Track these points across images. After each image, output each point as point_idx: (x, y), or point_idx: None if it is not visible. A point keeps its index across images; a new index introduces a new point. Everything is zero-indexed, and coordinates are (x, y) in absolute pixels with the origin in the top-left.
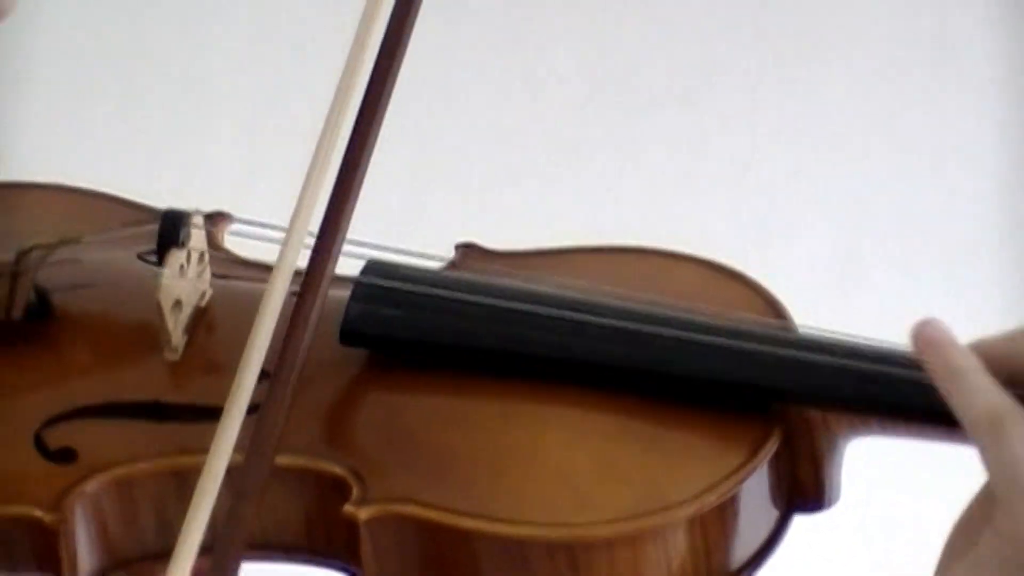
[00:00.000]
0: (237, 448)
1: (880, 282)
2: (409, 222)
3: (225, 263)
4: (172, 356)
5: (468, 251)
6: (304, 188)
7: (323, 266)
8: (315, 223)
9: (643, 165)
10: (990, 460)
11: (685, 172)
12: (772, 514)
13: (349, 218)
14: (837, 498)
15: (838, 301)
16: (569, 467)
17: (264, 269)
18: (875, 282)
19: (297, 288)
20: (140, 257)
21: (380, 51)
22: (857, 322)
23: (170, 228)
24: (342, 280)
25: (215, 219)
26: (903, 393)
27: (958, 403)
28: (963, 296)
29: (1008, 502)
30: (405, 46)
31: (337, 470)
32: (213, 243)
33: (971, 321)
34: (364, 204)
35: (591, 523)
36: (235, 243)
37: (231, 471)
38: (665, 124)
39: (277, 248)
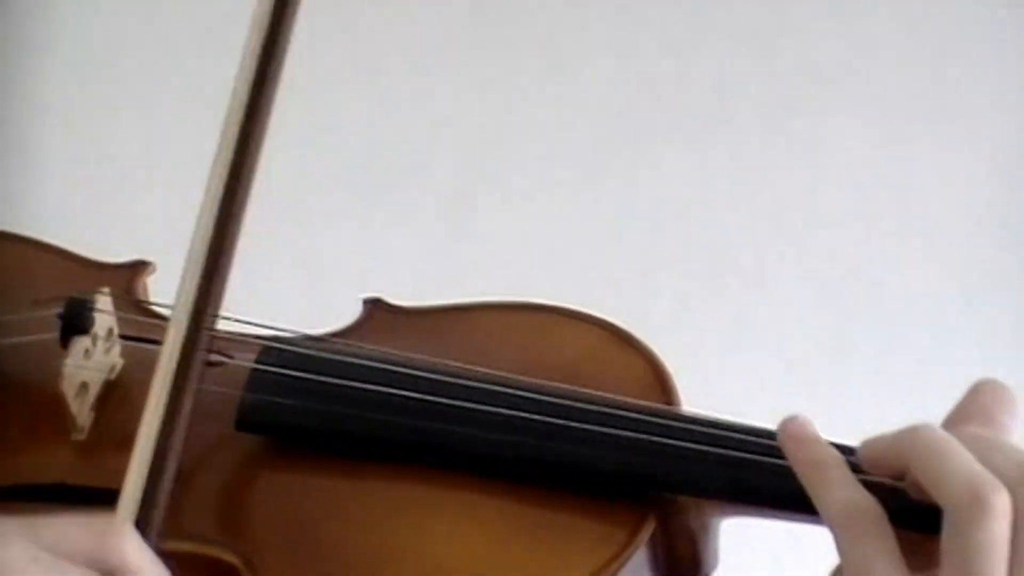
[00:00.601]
0: None
1: (882, 295)
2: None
3: (138, 325)
4: (79, 436)
5: (373, 308)
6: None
7: (193, 350)
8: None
9: (661, 191)
10: (843, 554)
11: (700, 197)
12: None
13: (219, 293)
14: (715, 567)
15: (843, 314)
16: (448, 563)
17: None
18: (877, 295)
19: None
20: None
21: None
22: (863, 333)
23: (73, 316)
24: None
25: (134, 268)
26: (774, 484)
27: (818, 497)
28: (967, 305)
29: None
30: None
31: (229, 558)
32: (130, 293)
33: (973, 331)
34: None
35: None
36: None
37: None
38: (683, 151)
39: None
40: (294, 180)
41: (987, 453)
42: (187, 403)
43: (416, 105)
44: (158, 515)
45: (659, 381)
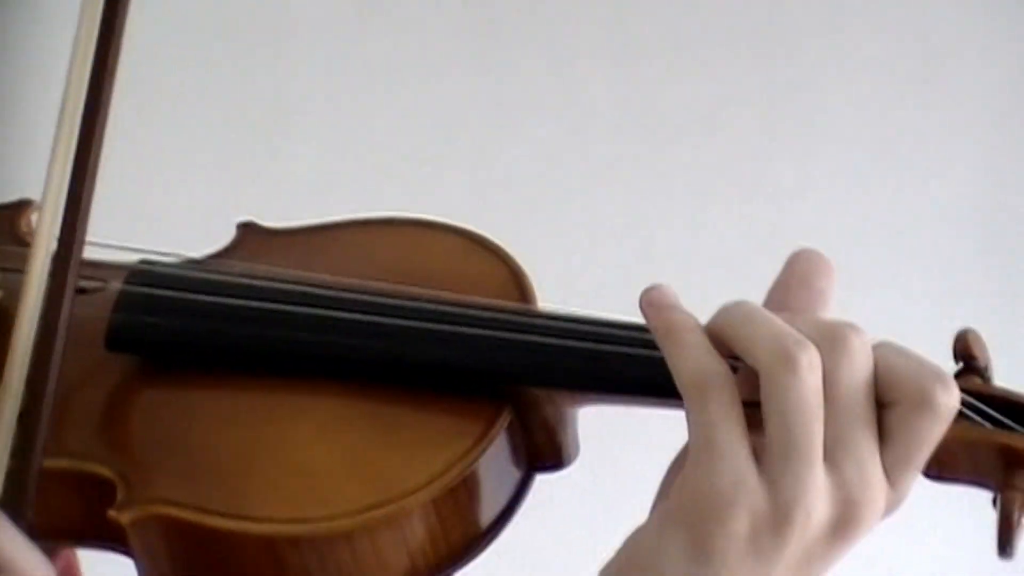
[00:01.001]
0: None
1: (869, 289)
2: None
3: (15, 256)
4: None
5: (245, 231)
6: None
7: (65, 270)
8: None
9: (666, 186)
10: (690, 421)
11: (702, 190)
12: (512, 480)
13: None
14: (575, 457)
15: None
16: (311, 464)
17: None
18: (864, 289)
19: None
20: None
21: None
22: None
23: None
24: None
25: (16, 208)
26: (617, 371)
27: (672, 362)
28: (944, 303)
29: (696, 460)
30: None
31: (105, 472)
32: (14, 234)
33: (955, 322)
34: None
35: (329, 517)
36: None
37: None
38: (688, 148)
39: None
40: (305, 186)
41: (793, 318)
42: (58, 344)
43: (424, 113)
44: (31, 489)
45: (516, 282)
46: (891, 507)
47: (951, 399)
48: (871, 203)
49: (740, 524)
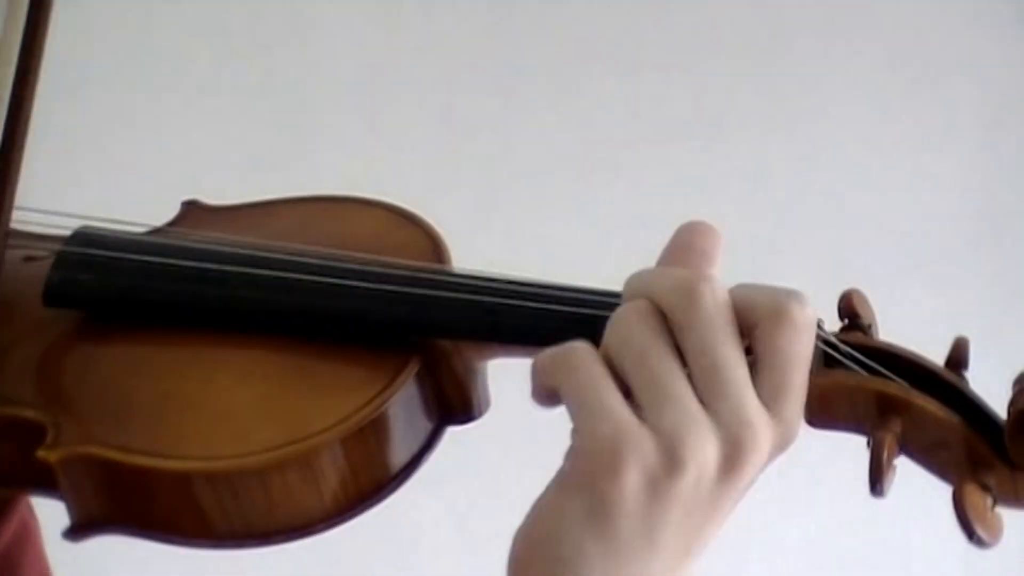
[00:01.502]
0: None
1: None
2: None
3: None
4: None
5: (188, 208)
6: None
7: None
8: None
9: (668, 188)
10: (561, 389)
11: (704, 190)
12: (423, 429)
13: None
14: (485, 410)
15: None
16: (230, 407)
17: (12, 236)
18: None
19: (31, 251)
20: None
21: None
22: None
23: None
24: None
25: None
26: (509, 322)
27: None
28: (943, 298)
29: (576, 425)
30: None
31: (37, 417)
32: None
33: (951, 320)
34: None
35: (243, 455)
36: None
37: None
38: (692, 151)
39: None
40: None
41: (646, 274)
42: None
43: (441, 116)
44: None
45: (435, 249)
46: (781, 442)
47: (805, 309)
48: (872, 203)
49: (631, 475)
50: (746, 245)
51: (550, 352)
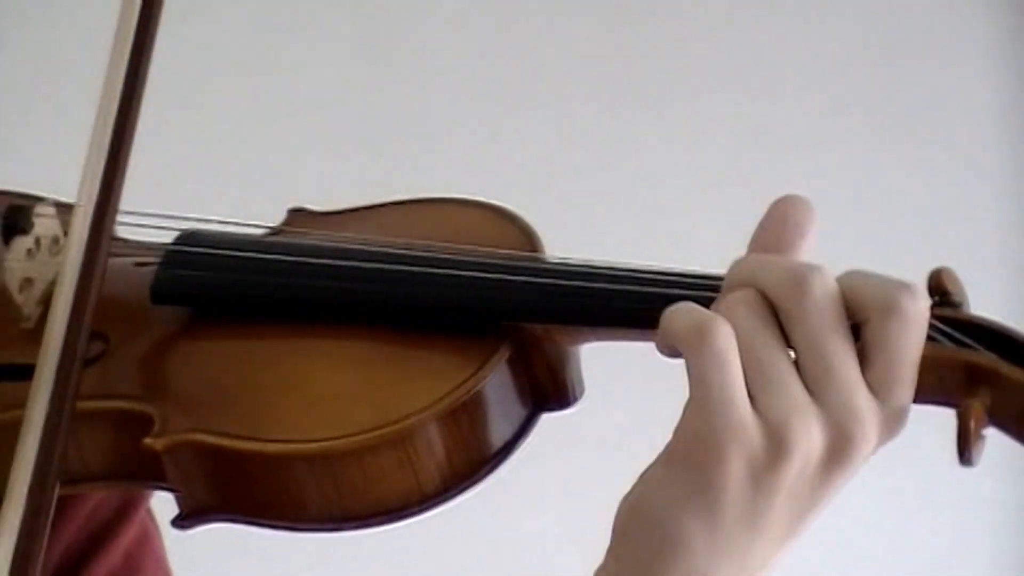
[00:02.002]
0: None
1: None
2: None
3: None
4: (27, 324)
5: (295, 214)
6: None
7: (97, 238)
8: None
9: (645, 159)
10: (687, 362)
11: (683, 166)
12: (518, 415)
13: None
14: (580, 396)
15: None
16: (327, 392)
17: (123, 244)
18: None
19: (142, 258)
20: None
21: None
22: None
23: (10, 220)
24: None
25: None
26: (601, 304)
27: (667, 312)
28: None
29: (692, 402)
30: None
31: (148, 410)
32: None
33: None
34: None
35: (339, 437)
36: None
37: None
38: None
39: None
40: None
41: (757, 261)
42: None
43: (442, 103)
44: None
45: (531, 245)
46: (888, 432)
47: (917, 303)
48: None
49: (737, 462)
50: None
51: (692, 317)
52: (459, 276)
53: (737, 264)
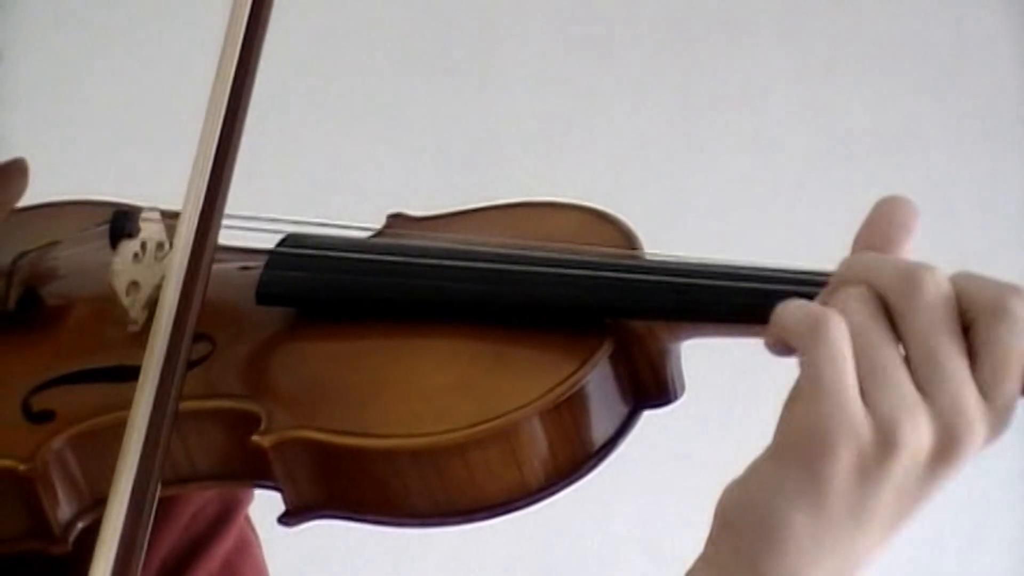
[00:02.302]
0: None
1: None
2: None
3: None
4: (134, 328)
5: (394, 219)
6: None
7: (202, 245)
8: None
9: (706, 163)
10: (801, 357)
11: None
12: (620, 411)
13: (223, 199)
14: (680, 393)
15: None
16: (431, 389)
17: (226, 251)
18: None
19: (246, 263)
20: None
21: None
22: None
23: (118, 224)
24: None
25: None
26: (702, 300)
27: (782, 305)
28: None
29: (804, 396)
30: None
31: (254, 408)
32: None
33: None
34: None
35: (444, 431)
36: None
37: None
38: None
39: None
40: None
41: (862, 260)
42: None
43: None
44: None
45: (630, 245)
46: (995, 430)
47: None
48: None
49: (846, 456)
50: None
51: (806, 312)
52: (566, 274)
53: (849, 260)
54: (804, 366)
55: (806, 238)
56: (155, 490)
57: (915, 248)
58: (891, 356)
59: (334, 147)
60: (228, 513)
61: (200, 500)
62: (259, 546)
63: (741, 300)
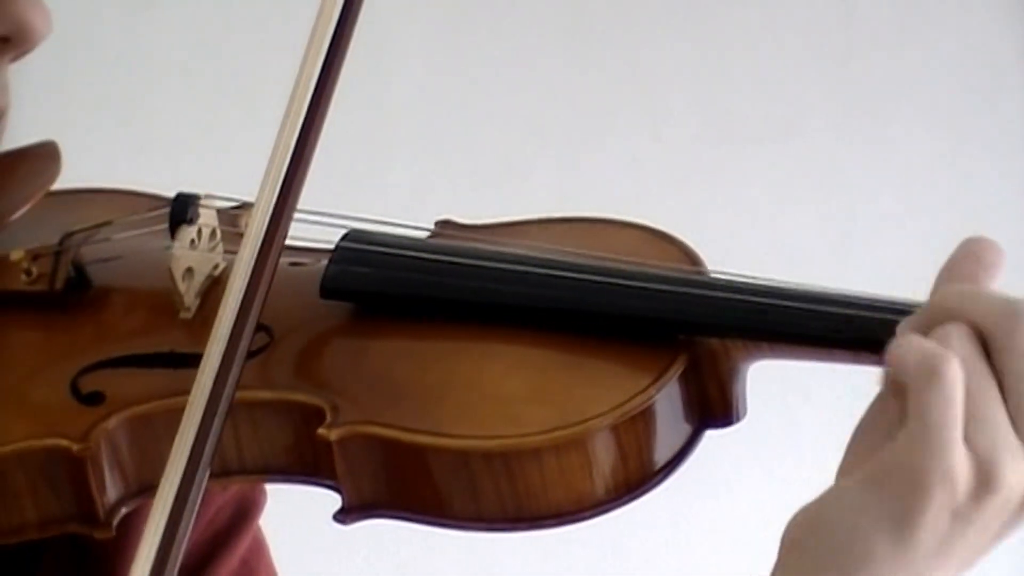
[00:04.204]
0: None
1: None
2: None
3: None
4: (186, 315)
5: (445, 225)
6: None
7: (273, 236)
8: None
9: (744, 192)
10: (914, 397)
11: (780, 197)
12: (685, 429)
13: (297, 194)
14: (744, 414)
15: None
16: (504, 392)
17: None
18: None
19: (296, 259)
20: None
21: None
22: None
23: (179, 208)
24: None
25: (240, 207)
26: (783, 322)
27: (900, 343)
28: None
29: (912, 436)
30: (349, 41)
31: (316, 401)
32: (233, 225)
33: None
34: None
35: (520, 435)
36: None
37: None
38: (764, 156)
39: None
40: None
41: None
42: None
43: (511, 118)
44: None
45: (691, 261)
46: None
47: None
48: (938, 205)
49: (941, 499)
50: (818, 243)
51: (924, 351)
52: (642, 287)
53: (946, 292)
54: (915, 404)
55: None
56: (203, 480)
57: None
58: (993, 395)
59: (350, 150)
60: (247, 513)
61: (220, 499)
62: (269, 550)
63: (823, 324)
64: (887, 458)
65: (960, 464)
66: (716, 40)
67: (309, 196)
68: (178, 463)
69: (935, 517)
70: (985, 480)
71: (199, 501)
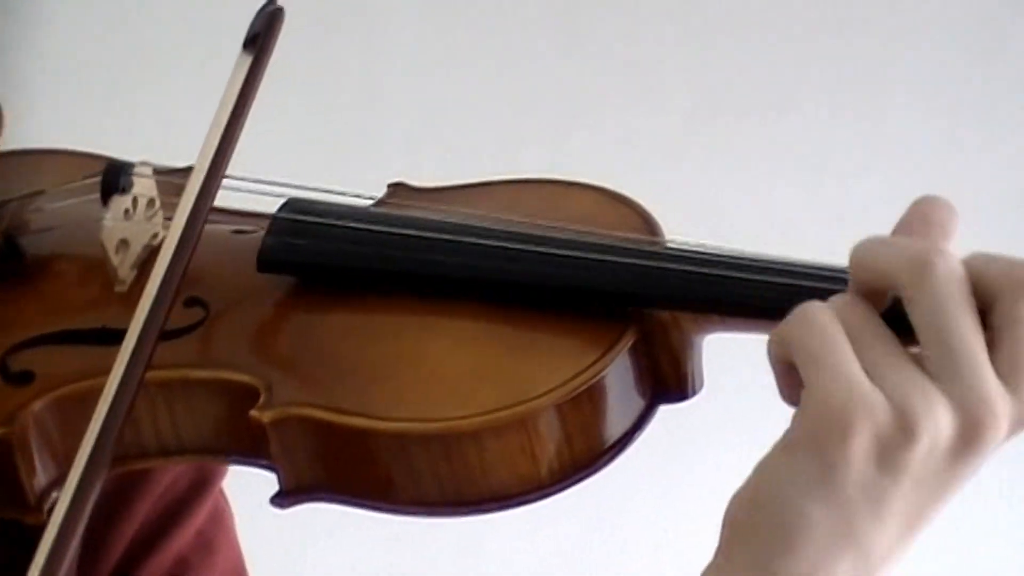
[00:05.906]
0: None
1: None
2: None
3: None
4: (121, 288)
5: (396, 189)
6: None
7: (201, 204)
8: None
9: (737, 167)
10: (796, 344)
11: (773, 171)
12: (637, 404)
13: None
14: (699, 389)
15: None
16: (445, 371)
17: (219, 212)
18: None
19: (240, 226)
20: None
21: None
22: None
23: (111, 178)
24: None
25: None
26: (730, 293)
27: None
28: None
29: (808, 383)
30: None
31: (250, 380)
32: (177, 195)
33: None
34: None
35: (459, 417)
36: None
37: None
38: (757, 131)
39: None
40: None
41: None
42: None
43: (505, 94)
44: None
45: (648, 228)
46: (1020, 419)
47: None
48: (937, 180)
49: (861, 440)
50: (811, 218)
51: (798, 310)
52: (588, 258)
53: (859, 247)
54: (801, 361)
55: None
56: (107, 460)
57: None
58: (891, 342)
59: (338, 117)
60: (203, 484)
61: (174, 471)
62: (232, 517)
63: (774, 295)
64: (796, 421)
65: (872, 395)
66: (708, 14)
67: (297, 172)
68: (87, 445)
69: (859, 459)
70: (905, 423)
71: (98, 485)
